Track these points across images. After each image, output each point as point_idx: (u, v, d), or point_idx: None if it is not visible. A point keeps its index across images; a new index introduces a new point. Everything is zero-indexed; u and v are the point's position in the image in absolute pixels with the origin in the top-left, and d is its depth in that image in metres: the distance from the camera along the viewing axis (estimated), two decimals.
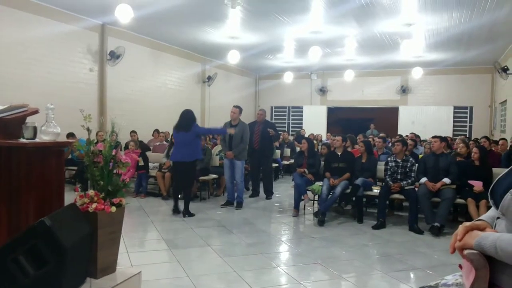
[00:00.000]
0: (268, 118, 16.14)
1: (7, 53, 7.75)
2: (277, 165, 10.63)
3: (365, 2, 7.75)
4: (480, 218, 1.39)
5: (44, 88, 8.27)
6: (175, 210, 6.53)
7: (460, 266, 1.39)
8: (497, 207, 1.30)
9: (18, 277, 2.22)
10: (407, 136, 9.91)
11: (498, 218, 1.31)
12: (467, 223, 1.32)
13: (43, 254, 2.23)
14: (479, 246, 1.22)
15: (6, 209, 2.95)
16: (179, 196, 6.68)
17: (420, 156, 7.53)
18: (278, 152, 10.95)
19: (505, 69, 11.48)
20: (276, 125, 11.56)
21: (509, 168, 1.37)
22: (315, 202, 7.07)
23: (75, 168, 8.28)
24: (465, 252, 1.26)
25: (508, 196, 1.23)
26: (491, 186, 1.37)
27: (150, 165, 8.42)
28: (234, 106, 7.34)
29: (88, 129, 2.95)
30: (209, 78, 14.34)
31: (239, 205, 7.16)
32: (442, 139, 6.39)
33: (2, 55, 7.66)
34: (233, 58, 11.26)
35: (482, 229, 1.30)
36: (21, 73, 7.99)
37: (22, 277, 2.22)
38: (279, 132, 9.47)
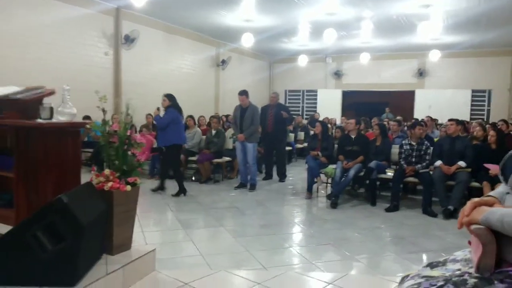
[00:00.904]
0: (282, 101, 16.11)
1: (23, 37, 7.84)
2: (290, 148, 10.63)
3: None
4: (489, 194, 1.39)
5: (60, 72, 8.36)
6: (162, 188, 6.78)
7: (469, 243, 1.40)
8: (507, 182, 1.30)
9: (37, 251, 2.30)
10: (423, 120, 9.80)
11: (507, 193, 1.30)
12: (476, 199, 1.32)
13: (61, 230, 2.30)
14: (486, 221, 1.22)
15: (25, 189, 3.03)
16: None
17: (436, 140, 7.45)
18: (292, 135, 10.94)
19: None
20: (290, 109, 11.50)
21: None
22: (328, 185, 7.07)
23: (91, 150, 8.40)
24: (472, 227, 1.26)
25: None
26: (502, 163, 1.37)
27: None
28: (240, 94, 7.29)
29: (103, 110, 3.00)
30: (223, 61, 14.31)
31: (253, 187, 7.22)
32: (459, 122, 6.31)
33: (18, 39, 7.75)
34: (247, 41, 11.19)
35: (490, 204, 1.30)
36: (36, 56, 8.09)
37: (40, 251, 2.30)
38: (293, 116, 9.44)
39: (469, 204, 1.31)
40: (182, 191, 6.59)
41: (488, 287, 1.16)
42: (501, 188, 1.38)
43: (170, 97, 6.71)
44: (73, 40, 8.96)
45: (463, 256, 1.40)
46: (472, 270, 1.27)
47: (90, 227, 2.42)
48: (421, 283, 1.29)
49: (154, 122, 7.52)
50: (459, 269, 1.32)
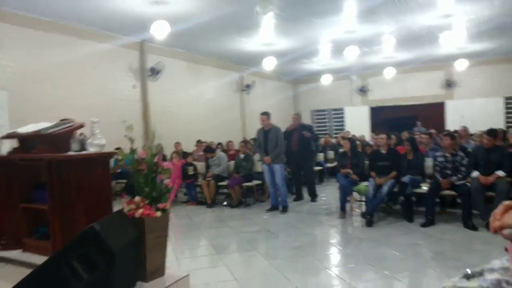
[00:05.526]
0: (308, 122, 16.03)
1: (54, 75, 8.16)
2: (321, 168, 10.52)
3: None
4: None
5: (91, 106, 8.63)
6: None
7: (506, 250, 1.31)
8: None
9: (73, 281, 2.32)
10: (456, 130, 9.51)
11: None
12: (508, 202, 1.24)
13: (94, 259, 2.32)
14: None
15: (59, 220, 3.10)
16: None
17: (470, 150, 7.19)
18: (321, 155, 10.84)
19: None
20: (317, 128, 11.44)
21: None
22: (362, 203, 6.91)
23: (125, 181, 8.54)
24: (505, 231, 1.18)
25: None
26: None
27: None
28: (262, 114, 7.34)
29: (130, 139, 3.05)
30: (247, 86, 14.46)
31: (285, 209, 7.13)
32: (495, 134, 6.05)
33: (50, 78, 8.07)
34: (269, 64, 11.28)
35: None
36: (67, 93, 8.37)
37: (76, 281, 2.32)
38: (316, 135, 9.36)
39: (501, 207, 1.23)
40: None
41: None
42: None
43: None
44: (102, 75, 9.28)
45: (501, 264, 1.31)
46: (510, 278, 1.18)
47: (123, 254, 2.43)
48: None
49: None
50: (497, 279, 1.23)
